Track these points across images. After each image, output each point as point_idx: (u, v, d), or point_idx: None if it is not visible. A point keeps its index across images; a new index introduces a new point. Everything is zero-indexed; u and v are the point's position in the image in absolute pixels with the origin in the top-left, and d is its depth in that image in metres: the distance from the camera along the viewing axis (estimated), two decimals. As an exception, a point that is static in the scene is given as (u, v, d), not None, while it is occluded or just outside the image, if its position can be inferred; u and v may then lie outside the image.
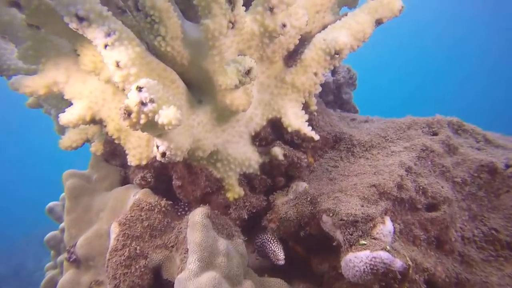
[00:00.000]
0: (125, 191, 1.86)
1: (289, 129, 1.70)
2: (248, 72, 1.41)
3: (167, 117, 1.22)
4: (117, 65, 1.32)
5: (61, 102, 2.25)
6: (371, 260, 1.25)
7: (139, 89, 1.22)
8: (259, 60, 1.72)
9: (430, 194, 1.53)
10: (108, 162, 2.16)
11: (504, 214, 1.66)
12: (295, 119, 1.70)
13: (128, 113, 1.21)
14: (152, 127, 1.27)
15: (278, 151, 1.66)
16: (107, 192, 2.02)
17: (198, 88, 1.66)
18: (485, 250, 1.59)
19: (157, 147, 1.41)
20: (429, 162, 1.67)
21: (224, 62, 1.47)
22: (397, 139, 1.83)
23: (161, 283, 1.55)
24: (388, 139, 1.84)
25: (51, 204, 2.88)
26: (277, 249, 1.69)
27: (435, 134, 1.83)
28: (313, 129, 1.78)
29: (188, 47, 1.51)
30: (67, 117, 1.59)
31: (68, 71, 1.66)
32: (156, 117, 1.24)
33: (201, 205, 1.73)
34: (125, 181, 2.12)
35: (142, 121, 1.22)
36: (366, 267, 1.25)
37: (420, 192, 1.53)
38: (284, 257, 1.69)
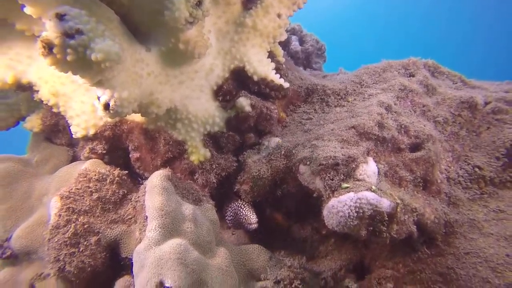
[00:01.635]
0: (72, 168, 1.60)
1: (255, 77, 1.51)
2: (198, 3, 1.20)
3: (102, 51, 1.00)
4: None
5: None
6: (355, 202, 1.09)
7: (60, 17, 0.98)
8: (214, 2, 1.51)
9: (412, 133, 1.40)
10: (52, 141, 1.88)
11: (486, 151, 1.57)
12: (261, 66, 1.51)
13: (49, 48, 0.97)
14: (86, 66, 1.03)
15: (244, 101, 1.47)
16: (50, 175, 1.74)
17: (146, 35, 1.42)
18: (470, 189, 1.49)
19: (98, 98, 1.17)
20: (409, 102, 1.55)
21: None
22: (373, 83, 1.69)
23: (118, 264, 1.33)
24: (363, 85, 1.70)
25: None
26: (248, 213, 1.52)
27: (411, 75, 1.71)
28: (281, 77, 1.60)
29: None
30: (-18, 77, 1.31)
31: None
32: (88, 52, 1.00)
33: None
34: (73, 161, 1.85)
35: (70, 58, 0.98)
36: (351, 210, 1.09)
37: (403, 132, 1.40)
38: (257, 219, 1.52)
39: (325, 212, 1.18)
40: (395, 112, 1.43)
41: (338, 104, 1.65)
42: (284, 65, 1.77)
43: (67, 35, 0.98)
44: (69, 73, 1.05)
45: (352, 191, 1.13)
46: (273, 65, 1.59)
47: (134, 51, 1.28)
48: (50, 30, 0.97)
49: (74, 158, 1.90)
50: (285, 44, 3.14)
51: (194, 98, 1.51)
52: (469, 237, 1.39)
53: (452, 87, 1.82)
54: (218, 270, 1.22)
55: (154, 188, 1.24)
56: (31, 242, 1.50)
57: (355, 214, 1.10)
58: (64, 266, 1.18)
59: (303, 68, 3.19)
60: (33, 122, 1.73)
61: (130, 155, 1.67)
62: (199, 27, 1.35)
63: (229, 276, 1.23)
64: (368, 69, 1.79)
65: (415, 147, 1.42)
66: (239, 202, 1.56)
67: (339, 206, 1.12)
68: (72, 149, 1.91)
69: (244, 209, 1.53)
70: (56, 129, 1.82)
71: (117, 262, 1.32)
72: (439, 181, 1.46)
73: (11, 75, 1.39)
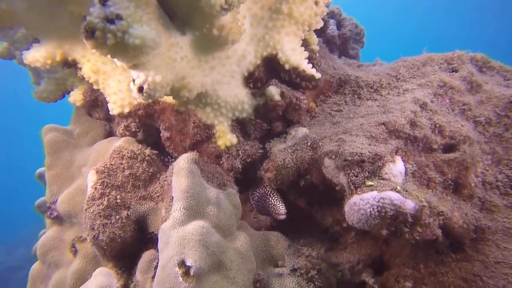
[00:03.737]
0: (108, 143, 1.70)
1: (286, 66, 1.50)
2: (235, -10, 1.19)
3: (139, 37, 1.03)
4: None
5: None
6: (378, 202, 1.08)
7: (103, 2, 1.02)
8: (251, -14, 1.49)
9: (447, 133, 1.34)
10: (91, 115, 1.99)
11: (532, 158, 1.47)
12: (293, 55, 1.49)
13: (91, 32, 1.02)
14: (123, 50, 1.07)
15: (274, 90, 1.47)
16: (89, 147, 1.86)
17: (182, 20, 1.44)
18: (509, 195, 1.41)
19: (133, 81, 1.22)
20: (447, 100, 1.47)
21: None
22: (410, 77, 1.61)
23: (145, 237, 1.42)
24: (399, 78, 1.63)
25: (40, 169, 2.75)
26: (277, 203, 1.53)
27: (454, 70, 1.61)
28: (313, 67, 1.57)
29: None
30: (32, 54, 1.40)
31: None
32: (126, 37, 1.04)
33: (191, 154, 1.57)
34: (110, 135, 1.96)
35: (109, 42, 1.03)
36: (373, 209, 1.08)
37: (436, 131, 1.34)
38: (285, 210, 1.53)
39: (346, 208, 1.17)
40: (430, 110, 1.36)
41: (370, 97, 1.60)
42: (317, 54, 1.73)
43: (108, 20, 1.02)
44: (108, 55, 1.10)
45: (376, 189, 1.11)
46: (306, 54, 1.56)
47: (169, 35, 1.31)
48: (93, 15, 1.01)
49: (111, 133, 2.02)
50: (322, 28, 3.04)
51: (224, 83, 1.53)
52: (502, 246, 1.33)
53: (502, 84, 1.69)
54: (237, 253, 1.27)
55: (181, 171, 1.30)
56: (72, 207, 1.64)
57: (377, 214, 1.09)
58: (98, 235, 1.28)
59: (339, 53, 3.09)
60: (76, 97, 1.84)
61: (161, 134, 1.74)
62: (234, 13, 1.34)
63: (247, 260, 1.28)
64: (406, 61, 1.71)
65: (449, 148, 1.36)
66: (267, 189, 1.57)
67: (361, 204, 1.11)
68: (109, 123, 2.03)
69: (273, 197, 1.53)
70: (95, 104, 1.92)
71: (144, 235, 1.41)
72: (473, 184, 1.40)
73: (60, 52, 1.48)
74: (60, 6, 1.39)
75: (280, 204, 1.52)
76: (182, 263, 1.11)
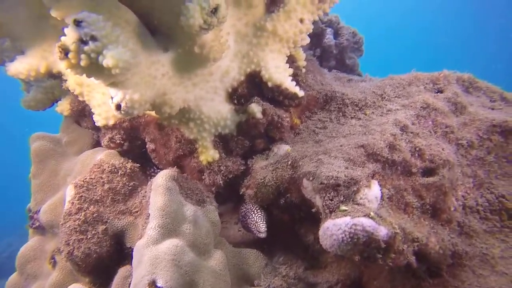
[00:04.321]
0: (92, 154, 1.70)
1: (269, 84, 1.50)
2: (214, 10, 1.19)
3: (114, 58, 1.03)
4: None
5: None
6: (350, 228, 1.07)
7: (77, 23, 1.02)
8: (236, 3, 1.49)
9: (427, 157, 1.33)
10: (80, 124, 2.00)
11: (514, 181, 1.46)
12: (276, 73, 1.49)
13: (65, 52, 1.02)
14: (98, 71, 1.08)
15: (255, 108, 1.46)
16: (76, 156, 1.87)
17: (166, 35, 1.45)
18: (489, 220, 1.40)
19: (112, 98, 1.23)
20: (430, 122, 1.46)
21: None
22: (395, 97, 1.61)
23: (124, 252, 1.42)
24: (384, 97, 1.62)
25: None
26: (259, 220, 1.53)
27: (440, 91, 1.60)
28: (298, 84, 1.57)
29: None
30: (15, 66, 1.41)
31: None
32: (100, 58, 1.05)
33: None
34: (97, 145, 1.96)
35: (82, 63, 1.03)
36: (345, 235, 1.08)
37: (416, 155, 1.33)
38: (265, 229, 1.52)
39: (320, 232, 1.17)
40: (411, 132, 1.36)
41: (354, 116, 1.59)
42: (304, 69, 1.72)
43: (82, 41, 1.02)
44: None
45: (350, 215, 1.11)
46: (290, 71, 1.56)
47: (150, 53, 1.31)
48: (67, 36, 1.02)
49: (98, 142, 2.02)
50: (319, 37, 3.03)
51: (208, 99, 1.53)
52: (478, 273, 1.32)
53: (487, 105, 1.68)
54: (212, 272, 1.27)
55: (158, 188, 1.30)
56: (54, 218, 1.64)
57: (349, 240, 1.08)
58: (73, 251, 1.28)
59: (335, 62, 3.08)
60: (63, 107, 1.85)
61: (147, 146, 1.74)
62: (216, 31, 1.34)
63: (222, 280, 1.27)
64: (392, 80, 1.70)
65: (428, 172, 1.35)
66: (251, 205, 1.56)
67: (334, 229, 1.10)
68: (97, 133, 2.03)
69: (256, 214, 1.52)
70: (82, 114, 1.93)
71: (122, 250, 1.41)
72: (452, 208, 1.39)
73: (44, 65, 1.48)
74: (43, 19, 1.39)
75: (261, 222, 1.51)
76: (153, 283, 1.11)
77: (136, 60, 1.14)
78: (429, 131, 1.44)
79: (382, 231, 1.08)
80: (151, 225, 1.23)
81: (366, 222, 1.08)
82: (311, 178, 1.27)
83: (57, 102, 1.94)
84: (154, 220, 1.23)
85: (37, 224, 1.66)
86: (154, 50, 1.33)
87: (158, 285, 1.11)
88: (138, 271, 1.18)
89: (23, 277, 1.59)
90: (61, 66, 1.55)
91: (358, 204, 1.15)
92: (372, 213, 1.11)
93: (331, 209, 1.17)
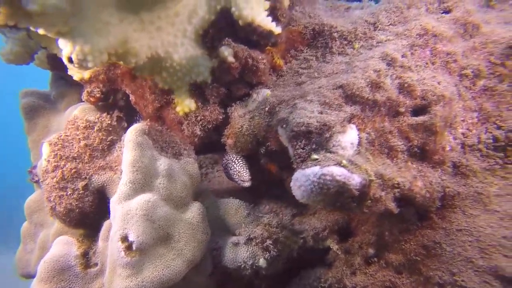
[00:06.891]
0: (71, 110, 1.67)
1: (240, 22, 1.32)
2: None
3: (38, 3, 0.92)
4: None
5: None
6: (319, 178, 0.99)
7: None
8: None
9: (419, 93, 1.17)
10: (67, 79, 1.95)
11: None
12: (248, 9, 1.31)
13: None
14: (26, 18, 0.98)
15: (225, 51, 1.32)
16: (65, 111, 1.86)
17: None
18: (491, 157, 1.25)
19: (61, 50, 1.14)
20: (428, 52, 1.26)
21: None
22: (389, 24, 1.39)
23: (109, 206, 1.45)
24: (377, 27, 1.40)
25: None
26: (242, 169, 1.48)
27: (447, 11, 1.35)
28: (276, 20, 1.38)
29: None
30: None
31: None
32: (24, 2, 0.94)
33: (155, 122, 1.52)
34: (83, 100, 1.93)
35: (3, 10, 0.93)
36: (314, 186, 1.00)
37: (405, 92, 1.17)
38: (249, 177, 1.48)
39: (291, 183, 1.10)
40: (400, 66, 1.18)
41: (342, 51, 1.41)
42: (287, 1, 1.51)
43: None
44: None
45: (319, 164, 1.02)
46: (266, 4, 1.36)
47: (98, -4, 1.17)
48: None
49: (85, 97, 1.98)
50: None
51: (178, 45, 1.40)
52: (468, 213, 1.23)
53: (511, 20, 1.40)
54: (189, 225, 1.27)
55: (128, 143, 1.26)
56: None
57: (319, 190, 1.00)
58: (55, 206, 1.32)
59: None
60: (41, 59, 1.78)
61: (130, 98, 1.68)
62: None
63: (200, 231, 1.28)
64: (390, 4, 1.45)
65: (420, 110, 1.20)
66: (232, 155, 1.51)
67: (303, 180, 1.03)
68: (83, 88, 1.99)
69: (237, 164, 1.48)
70: (62, 67, 1.87)
71: (107, 205, 1.44)
72: (447, 148, 1.25)
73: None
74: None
75: (244, 171, 1.47)
76: (125, 238, 1.13)
77: (80, 4, 1.02)
78: (425, 62, 1.24)
79: (355, 180, 0.99)
80: (123, 181, 1.21)
81: (337, 171, 0.99)
82: (284, 126, 1.17)
83: (36, 53, 1.87)
84: (125, 176, 1.22)
85: (36, 178, 1.73)
86: (103, -8, 1.19)
87: (130, 239, 1.12)
88: (113, 226, 1.20)
89: (32, 225, 1.70)
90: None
91: (330, 152, 1.06)
92: (344, 161, 1.01)
93: (302, 158, 1.08)
